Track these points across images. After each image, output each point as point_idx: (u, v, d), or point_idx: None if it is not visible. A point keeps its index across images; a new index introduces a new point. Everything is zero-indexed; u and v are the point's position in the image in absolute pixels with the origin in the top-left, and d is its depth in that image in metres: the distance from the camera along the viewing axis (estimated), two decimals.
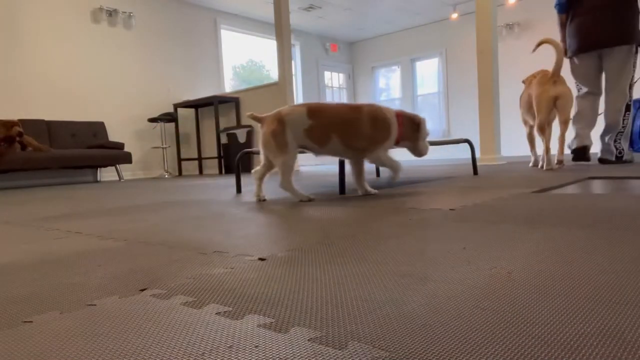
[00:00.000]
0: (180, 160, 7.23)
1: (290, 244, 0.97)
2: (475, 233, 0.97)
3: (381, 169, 3.81)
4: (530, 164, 3.75)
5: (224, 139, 6.69)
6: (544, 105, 3.08)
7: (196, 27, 7.50)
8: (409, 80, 9.87)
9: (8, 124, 4.89)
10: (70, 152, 5.36)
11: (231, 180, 4.25)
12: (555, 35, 3.71)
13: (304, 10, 8.22)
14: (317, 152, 1.93)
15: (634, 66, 3.33)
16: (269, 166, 1.95)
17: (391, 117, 1.93)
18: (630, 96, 3.36)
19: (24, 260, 0.95)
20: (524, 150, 8.01)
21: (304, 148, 1.92)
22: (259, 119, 1.89)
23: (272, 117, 1.85)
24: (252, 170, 2.01)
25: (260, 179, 1.99)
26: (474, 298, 0.55)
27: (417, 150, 2.05)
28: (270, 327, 0.49)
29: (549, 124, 3.17)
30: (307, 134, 1.84)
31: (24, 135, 5.08)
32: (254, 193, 2.02)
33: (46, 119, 5.84)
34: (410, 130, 2.00)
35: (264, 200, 1.99)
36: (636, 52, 3.32)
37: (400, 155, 4.34)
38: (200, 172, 7.14)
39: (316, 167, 7.46)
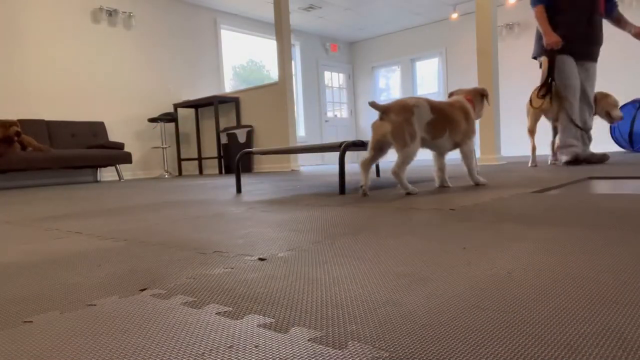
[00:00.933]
0: (180, 160, 7.23)
1: (290, 244, 0.97)
2: (475, 233, 0.97)
3: (381, 168, 3.81)
4: (530, 164, 3.79)
5: (224, 139, 6.69)
6: (530, 115, 3.68)
7: (196, 27, 7.50)
8: (409, 80, 9.87)
9: (6, 124, 4.89)
10: (70, 152, 5.36)
11: (231, 180, 4.25)
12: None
13: (304, 10, 8.22)
14: (426, 145, 2.03)
15: (548, 73, 3.56)
16: (376, 157, 1.97)
17: (470, 108, 2.09)
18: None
19: (24, 260, 0.95)
20: (524, 150, 8.01)
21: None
22: (382, 108, 1.89)
23: (401, 106, 1.87)
24: (361, 162, 1.99)
25: (368, 168, 1.99)
26: (474, 298, 0.55)
27: (481, 113, 2.22)
28: (270, 327, 0.49)
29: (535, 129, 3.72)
30: (427, 127, 1.93)
31: (23, 135, 5.07)
32: (362, 182, 1.98)
33: (46, 119, 5.84)
34: (480, 104, 2.17)
35: (366, 195, 1.95)
36: (545, 61, 3.68)
37: None
38: (200, 172, 7.14)
39: (316, 167, 7.46)
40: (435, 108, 1.95)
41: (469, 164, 2.10)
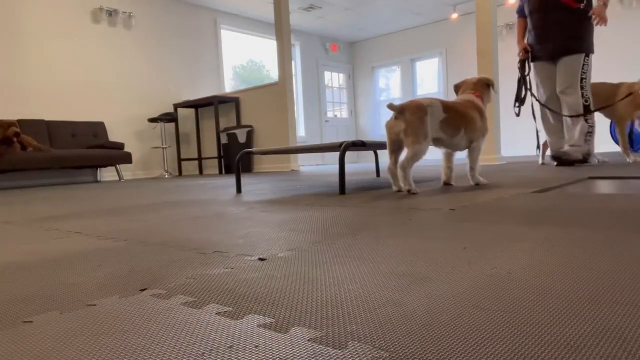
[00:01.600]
0: (180, 160, 7.23)
1: (290, 244, 0.97)
2: (475, 233, 0.97)
3: (381, 168, 3.81)
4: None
5: (224, 139, 6.68)
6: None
7: (196, 27, 7.50)
8: (409, 80, 9.86)
9: (5, 125, 4.88)
10: (70, 152, 5.36)
11: (231, 180, 4.25)
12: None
13: (304, 10, 8.22)
14: (442, 144, 2.09)
15: (519, 82, 3.68)
16: (398, 159, 2.01)
17: (482, 105, 2.15)
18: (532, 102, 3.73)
19: (24, 260, 0.95)
20: (524, 150, 8.01)
21: (434, 139, 2.03)
22: (398, 108, 1.94)
23: (415, 106, 1.93)
24: (387, 169, 2.03)
25: (395, 173, 2.01)
26: (474, 298, 0.55)
27: (489, 98, 2.28)
28: (270, 327, 0.49)
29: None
30: (441, 126, 1.98)
31: (22, 135, 5.07)
32: (400, 188, 1.99)
33: (46, 119, 5.83)
34: (487, 94, 2.23)
35: (415, 193, 1.92)
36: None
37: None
38: (200, 172, 7.14)
39: (316, 167, 7.46)
40: (448, 107, 2.00)
41: (474, 162, 2.14)
